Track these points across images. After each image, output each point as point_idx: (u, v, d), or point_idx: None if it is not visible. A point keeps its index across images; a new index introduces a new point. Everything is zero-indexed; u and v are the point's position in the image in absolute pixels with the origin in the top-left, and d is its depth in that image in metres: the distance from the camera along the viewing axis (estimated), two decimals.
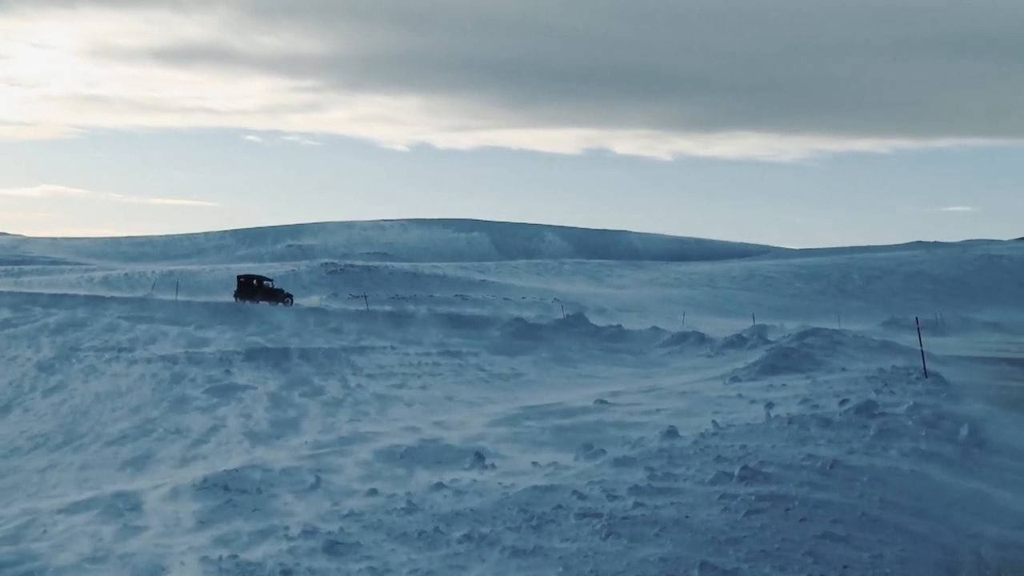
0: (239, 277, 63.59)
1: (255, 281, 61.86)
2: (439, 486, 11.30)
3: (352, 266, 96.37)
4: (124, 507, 11.56)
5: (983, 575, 8.23)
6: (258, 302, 55.53)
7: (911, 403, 17.21)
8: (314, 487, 12.40)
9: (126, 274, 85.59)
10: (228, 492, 12.08)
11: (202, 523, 10.50)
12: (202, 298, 54.61)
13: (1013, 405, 20.44)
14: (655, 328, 46.24)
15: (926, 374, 23.46)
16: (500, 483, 11.31)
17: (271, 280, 63.21)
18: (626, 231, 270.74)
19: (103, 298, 49.02)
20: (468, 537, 8.77)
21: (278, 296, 59.41)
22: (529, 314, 57.12)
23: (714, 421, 15.50)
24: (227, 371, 28.26)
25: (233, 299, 58.27)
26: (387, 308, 53.77)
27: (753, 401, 19.34)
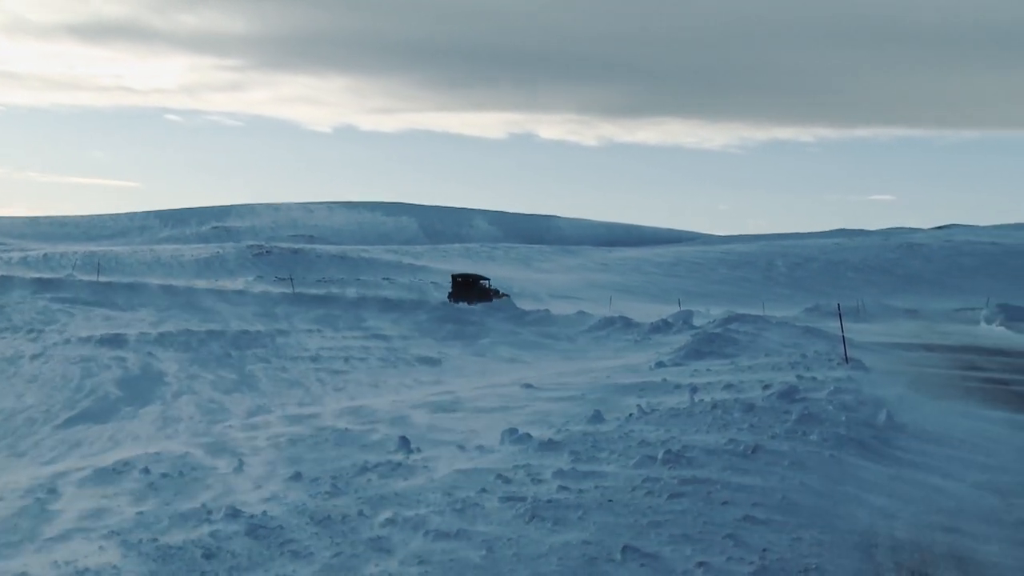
0: (454, 277, 60.02)
1: (471, 281, 58.51)
2: (364, 470, 11.27)
3: (278, 248, 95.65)
4: (42, 491, 11.38)
5: (898, 557, 8.37)
6: (473, 304, 51.25)
7: (832, 388, 17.47)
8: (237, 470, 12.31)
9: (45, 254, 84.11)
10: (149, 475, 11.95)
11: (121, 506, 10.37)
12: (125, 279, 53.70)
13: (930, 391, 20.82)
14: (582, 313, 46.46)
15: (847, 360, 23.81)
16: (425, 467, 11.31)
17: (488, 280, 60.03)
18: (555, 216, 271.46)
19: (19, 278, 48.11)
20: (392, 521, 8.76)
21: (492, 297, 55.37)
22: None
23: (639, 406, 15.61)
24: (149, 354, 27.92)
25: (447, 300, 54.41)
26: (314, 291, 53.37)
27: (678, 386, 19.48)
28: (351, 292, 53.41)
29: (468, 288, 56.89)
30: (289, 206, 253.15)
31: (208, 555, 8.02)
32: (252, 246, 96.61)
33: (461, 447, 12.86)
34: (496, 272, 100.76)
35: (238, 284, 58.68)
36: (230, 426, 17.52)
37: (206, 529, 8.74)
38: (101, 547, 8.61)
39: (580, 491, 9.71)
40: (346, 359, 29.49)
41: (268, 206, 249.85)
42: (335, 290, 55.85)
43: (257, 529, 8.62)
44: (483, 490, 9.77)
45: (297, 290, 52.75)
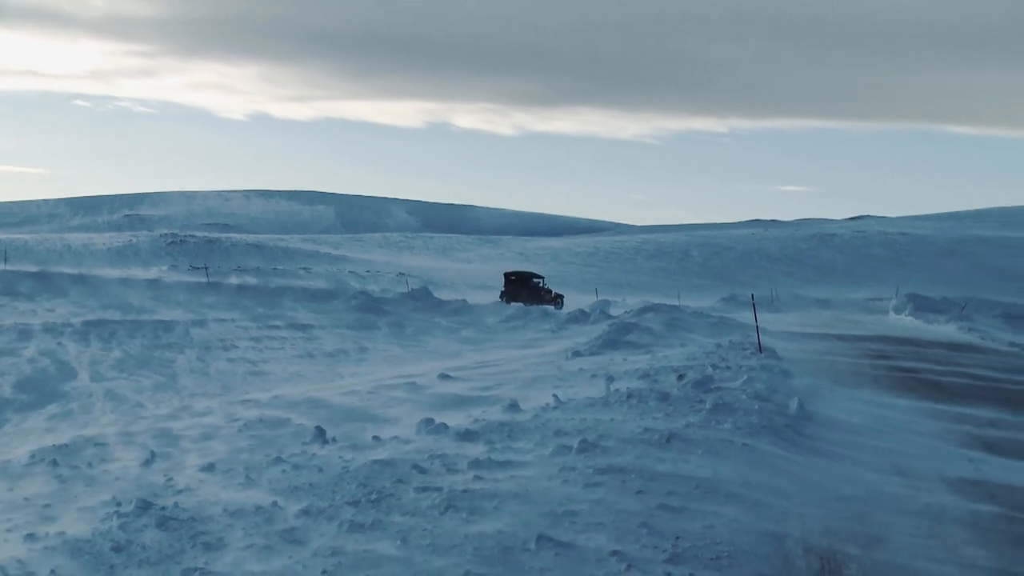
0: (507, 275, 56.47)
1: (525, 278, 55.37)
2: (278, 460, 11.17)
3: (193, 237, 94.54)
4: None
5: (808, 542, 8.51)
6: (528, 305, 48.85)
7: (745, 378, 17.67)
8: (148, 462, 12.13)
9: None
10: (57, 467, 11.73)
11: (28, 499, 10.17)
12: (33, 268, 52.64)
13: (840, 380, 21.18)
14: (498, 302, 46.48)
15: (760, 349, 24.12)
16: (341, 457, 11.24)
17: (542, 278, 56.72)
18: (473, 206, 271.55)
19: None
20: (306, 512, 8.70)
21: (544, 297, 52.58)
22: (375, 288, 56.90)
23: (555, 395, 15.66)
24: (59, 344, 27.41)
25: (500, 299, 51.99)
26: (229, 281, 52.80)
27: (594, 375, 19.58)
28: (268, 282, 52.95)
29: (521, 286, 54.02)
30: (204, 194, 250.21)
31: (117, 548, 7.89)
32: (166, 235, 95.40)
33: (377, 437, 12.79)
34: (415, 262, 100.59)
35: (152, 273, 57.77)
36: (142, 418, 17.27)
37: (115, 522, 8.59)
38: (6, 540, 8.44)
39: (496, 481, 9.72)
40: (262, 350, 29.21)
41: (182, 194, 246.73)
42: (251, 280, 55.32)
43: (168, 521, 8.51)
44: (399, 480, 9.74)
45: (212, 280, 52.16)
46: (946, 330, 45.97)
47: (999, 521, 9.70)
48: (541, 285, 54.68)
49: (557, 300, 52.73)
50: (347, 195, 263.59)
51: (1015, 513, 10.07)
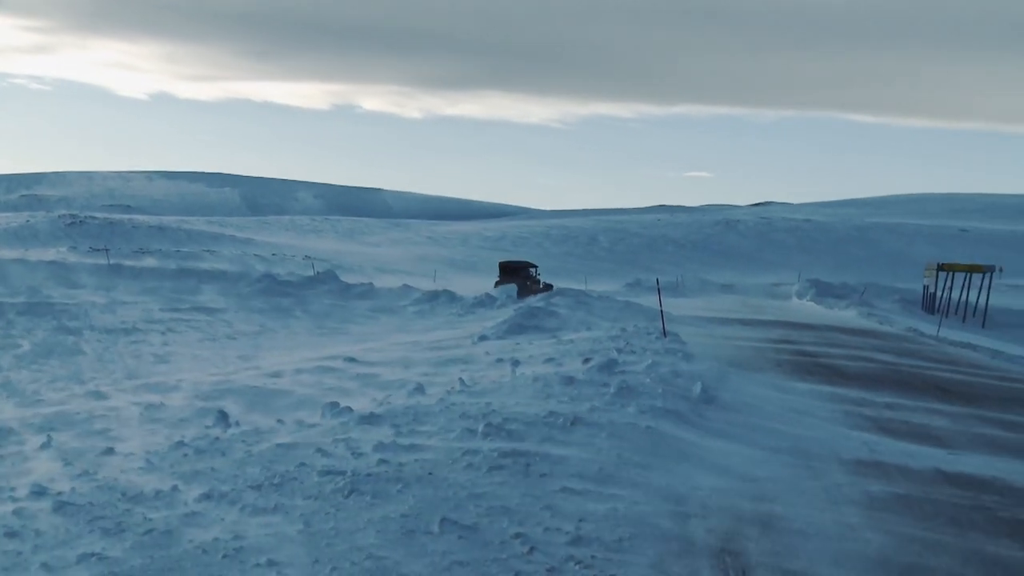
0: (503, 264, 55.13)
1: (520, 268, 53.77)
2: (179, 444, 11.03)
3: (93, 218, 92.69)
4: None
5: (709, 524, 8.62)
6: (522, 295, 46.58)
7: (650, 362, 17.85)
8: (45, 446, 11.91)
9: None
10: None
11: None
12: None
13: (743, 364, 21.48)
14: (407, 287, 46.38)
15: (665, 334, 24.35)
16: (244, 441, 11.13)
17: (535, 267, 55.27)
18: (380, 189, 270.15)
19: None
20: (207, 496, 8.60)
21: (532, 288, 50.26)
22: (280, 271, 56.32)
23: (461, 379, 15.67)
24: None
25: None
26: (131, 263, 51.89)
27: (500, 359, 19.64)
28: (171, 264, 52.15)
29: (515, 276, 52.56)
30: (104, 175, 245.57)
31: (11, 534, 7.72)
32: (65, 216, 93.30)
33: (281, 421, 12.70)
34: (322, 246, 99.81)
35: (50, 255, 56.49)
36: (40, 401, 16.95)
37: (9, 507, 8.41)
38: None
39: (400, 464, 9.70)
40: (164, 332, 28.82)
41: (82, 175, 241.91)
42: (154, 262, 54.44)
43: (65, 506, 8.36)
44: (302, 464, 9.67)
45: (113, 261, 51.24)
46: (846, 315, 46.87)
47: (893, 502, 9.92)
48: (535, 275, 53.90)
49: (548, 290, 50.18)
50: (253, 177, 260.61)
51: (908, 494, 10.30)
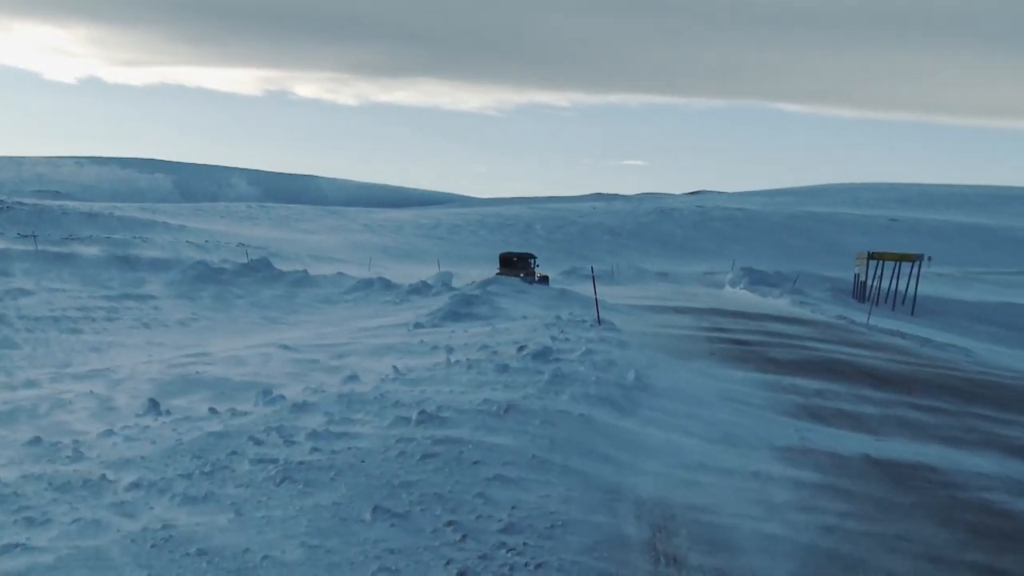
0: (505, 255, 53.75)
1: (523, 259, 52.37)
2: (109, 433, 10.89)
3: (21, 204, 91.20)
4: None
5: (640, 510, 8.68)
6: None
7: (584, 349, 17.91)
8: None
9: None
10: None
11: None
12: None
13: (676, 352, 21.64)
14: (341, 274, 46.15)
15: (599, 322, 24.46)
16: (174, 430, 11.02)
17: (535, 257, 54.01)
18: (315, 176, 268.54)
19: None
20: (136, 485, 8.50)
21: (528, 278, 48.40)
22: (213, 258, 55.80)
23: (395, 367, 15.63)
24: None
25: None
26: (60, 249, 51.11)
27: (435, 347, 19.61)
28: (101, 251, 51.44)
29: (515, 268, 51.30)
30: (33, 160, 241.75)
31: None
32: None
33: (213, 409, 12.58)
34: (257, 233, 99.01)
35: None
36: None
37: None
38: None
39: (333, 452, 9.66)
40: (95, 320, 28.44)
41: (9, 160, 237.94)
42: (84, 249, 53.65)
43: None
44: (233, 452, 9.59)
45: (41, 248, 50.44)
46: (779, 303, 47.36)
47: (821, 487, 10.04)
48: (533, 267, 52.84)
49: (543, 281, 50.18)
50: (185, 163, 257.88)
51: (836, 480, 10.44)
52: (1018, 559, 8.23)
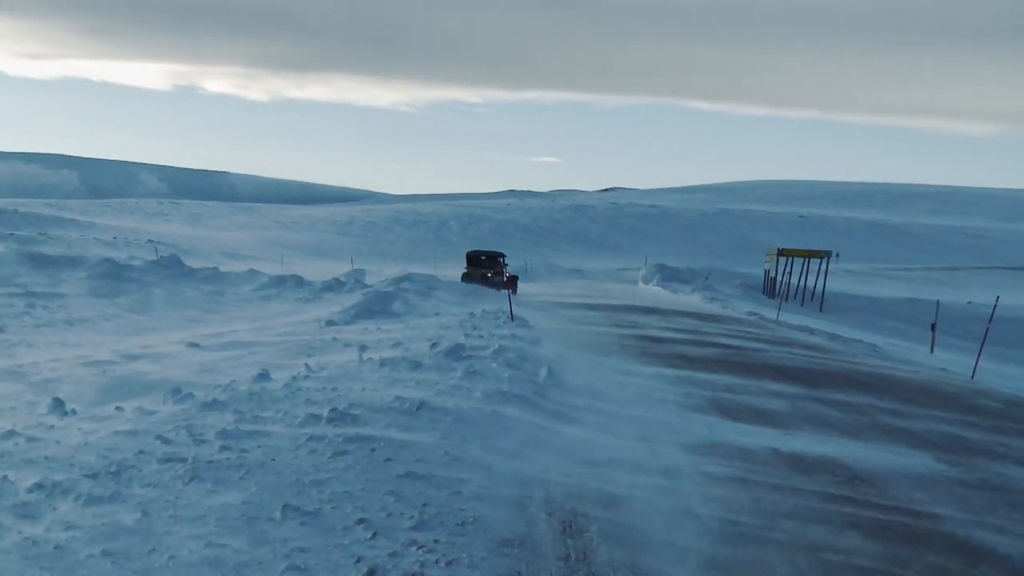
0: (473, 254, 49.59)
1: (493, 258, 48.31)
2: (11, 434, 10.65)
3: None
4: None
5: (551, 507, 8.72)
6: (486, 286, 42.79)
7: (497, 346, 17.95)
8: None
9: None
10: None
11: None
12: None
13: (589, 348, 21.76)
14: (253, 271, 45.65)
15: (513, 318, 24.52)
16: (80, 429, 10.82)
17: (504, 255, 49.65)
18: (226, 172, 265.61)
19: None
20: (40, 486, 8.33)
21: (495, 279, 45.29)
22: (121, 255, 54.87)
23: (307, 364, 15.53)
24: None
25: (463, 280, 44.80)
26: None
27: (347, 344, 19.50)
28: (6, 248, 50.30)
29: (485, 267, 47.35)
30: None
31: None
32: None
33: (120, 408, 12.38)
34: (168, 230, 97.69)
35: None
36: None
37: None
38: None
39: (243, 451, 9.57)
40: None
41: None
42: None
43: None
44: (141, 452, 9.45)
45: None
46: (691, 299, 47.89)
47: (729, 482, 10.17)
48: (501, 266, 48.32)
49: (512, 283, 45.51)
50: (92, 159, 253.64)
51: (744, 474, 10.58)
52: (915, 553, 8.39)
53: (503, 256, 49.50)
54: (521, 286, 46.33)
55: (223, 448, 9.66)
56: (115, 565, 6.66)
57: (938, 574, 7.80)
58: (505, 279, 45.67)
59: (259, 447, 9.76)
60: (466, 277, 46.25)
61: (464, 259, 50.90)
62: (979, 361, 24.30)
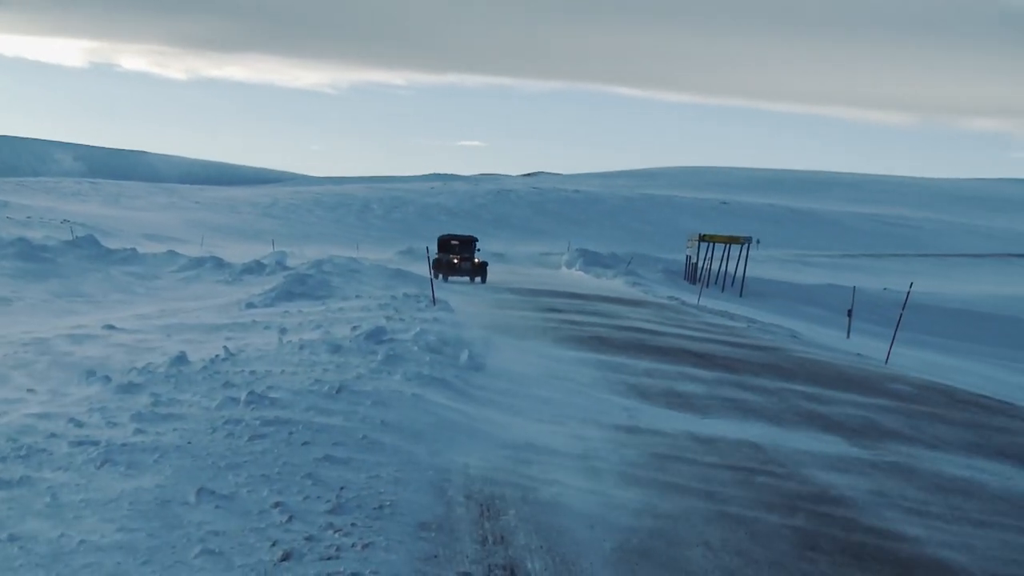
0: (444, 238, 45.58)
1: (466, 243, 44.97)
2: None
3: None
4: None
5: (469, 490, 8.71)
6: (468, 276, 42.12)
7: (418, 329, 17.89)
8: None
9: None
10: None
11: None
12: None
13: (511, 332, 21.79)
14: (172, 252, 45.10)
15: (435, 302, 24.47)
16: None
17: (477, 240, 46.74)
18: (145, 152, 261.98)
19: None
20: None
21: (463, 266, 43.05)
22: (35, 235, 53.88)
23: (225, 347, 15.35)
24: None
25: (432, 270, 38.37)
26: None
27: (267, 327, 19.33)
28: None
29: (458, 251, 44.22)
30: None
31: None
32: None
33: (32, 390, 12.19)
34: (85, 210, 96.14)
35: None
36: None
37: None
38: None
39: (158, 434, 9.44)
40: None
41: None
42: None
43: None
44: (52, 435, 9.27)
45: None
46: (613, 284, 48.18)
47: (647, 465, 10.23)
48: (474, 251, 45.24)
49: (481, 269, 43.95)
50: (5, 136, 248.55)
51: (662, 458, 10.66)
52: (833, 526, 8.50)
53: (476, 240, 46.63)
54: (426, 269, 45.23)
55: (138, 431, 9.52)
56: (22, 550, 6.53)
57: (852, 555, 7.91)
58: (475, 264, 43.82)
59: (175, 430, 9.63)
60: (436, 264, 42.26)
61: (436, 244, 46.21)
62: (893, 346, 24.72)
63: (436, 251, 44.68)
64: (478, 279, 43.46)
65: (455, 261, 43.61)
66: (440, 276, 41.50)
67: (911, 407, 15.92)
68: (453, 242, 45.33)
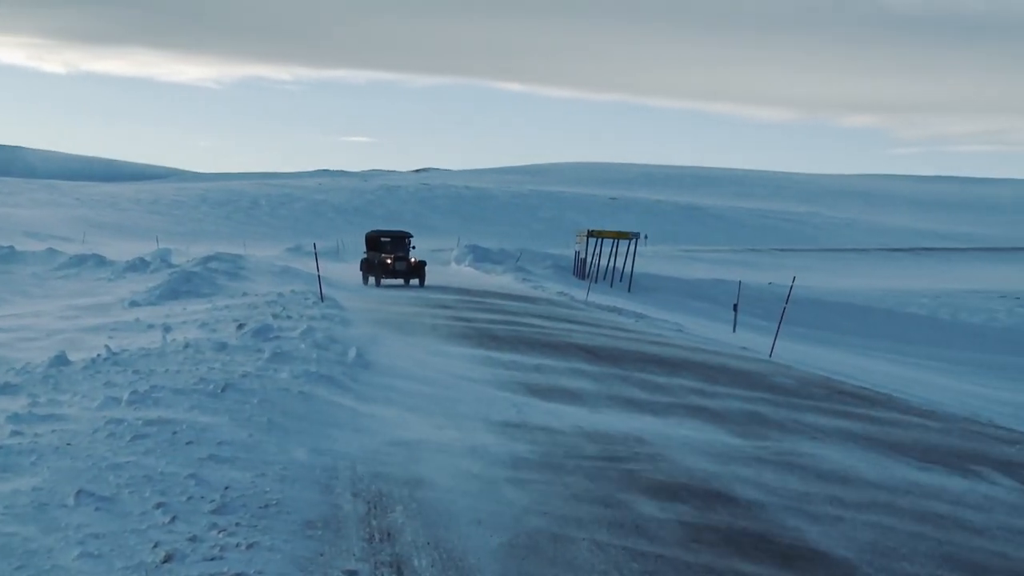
0: (373, 235, 41.35)
1: (399, 239, 40.17)
2: None
3: None
4: None
5: (356, 488, 8.66)
6: (403, 279, 38.32)
7: (306, 327, 17.76)
8: None
9: None
10: None
11: None
12: None
13: (400, 328, 21.72)
14: (52, 250, 44.08)
15: (323, 299, 24.29)
16: None
17: (411, 236, 41.18)
18: (21, 147, 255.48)
19: None
20: None
21: (395, 267, 38.52)
22: None
23: (107, 346, 15.04)
24: None
25: (361, 269, 39.72)
26: None
27: (151, 326, 19.02)
28: None
29: (389, 249, 39.65)
30: None
31: None
32: None
33: None
34: None
35: None
36: None
37: None
38: None
39: (36, 435, 9.22)
40: None
41: None
42: None
43: None
44: None
45: None
46: (503, 280, 48.27)
47: (536, 460, 10.28)
48: (408, 249, 40.33)
49: (419, 269, 39.28)
50: None
51: (550, 452, 10.71)
52: (716, 518, 8.63)
53: (410, 237, 41.28)
54: (332, 267, 44.22)
55: (14, 433, 9.29)
56: None
57: (735, 546, 8.03)
58: (411, 265, 39.20)
59: (54, 431, 9.42)
60: (366, 265, 40.25)
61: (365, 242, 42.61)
62: (776, 340, 25.17)
63: (365, 249, 41.67)
64: (415, 281, 38.79)
65: (388, 261, 38.77)
66: (371, 279, 39.03)
67: (793, 400, 16.21)
68: (384, 239, 40.48)
